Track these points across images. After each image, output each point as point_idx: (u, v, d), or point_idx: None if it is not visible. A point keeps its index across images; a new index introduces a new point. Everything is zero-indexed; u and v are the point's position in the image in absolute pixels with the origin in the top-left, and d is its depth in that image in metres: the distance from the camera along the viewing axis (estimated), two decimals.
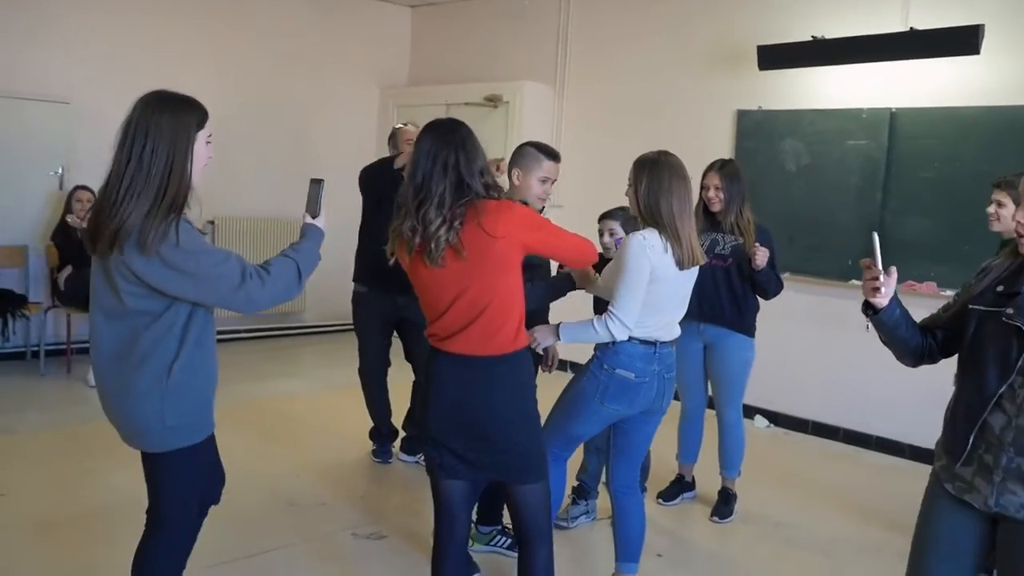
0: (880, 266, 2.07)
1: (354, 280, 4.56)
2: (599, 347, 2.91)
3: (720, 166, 3.94)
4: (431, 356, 2.46)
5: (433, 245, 2.25)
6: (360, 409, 4.62)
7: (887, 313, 2.11)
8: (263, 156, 7.34)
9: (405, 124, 4.62)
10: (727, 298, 3.92)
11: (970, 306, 2.03)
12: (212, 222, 7.01)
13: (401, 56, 8.24)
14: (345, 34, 7.78)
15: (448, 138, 2.32)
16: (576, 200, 6.63)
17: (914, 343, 2.17)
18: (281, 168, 7.45)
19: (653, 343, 2.85)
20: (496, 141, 6.85)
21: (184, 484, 2.38)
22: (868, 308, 2.14)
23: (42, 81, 6.09)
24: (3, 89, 5.95)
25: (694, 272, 2.91)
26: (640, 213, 2.83)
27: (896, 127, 5.12)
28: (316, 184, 2.51)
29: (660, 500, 4.18)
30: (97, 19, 6.35)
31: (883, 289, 2.07)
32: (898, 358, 2.24)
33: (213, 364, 2.40)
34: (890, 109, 5.13)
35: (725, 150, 5.85)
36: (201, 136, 2.25)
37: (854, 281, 5.24)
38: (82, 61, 6.26)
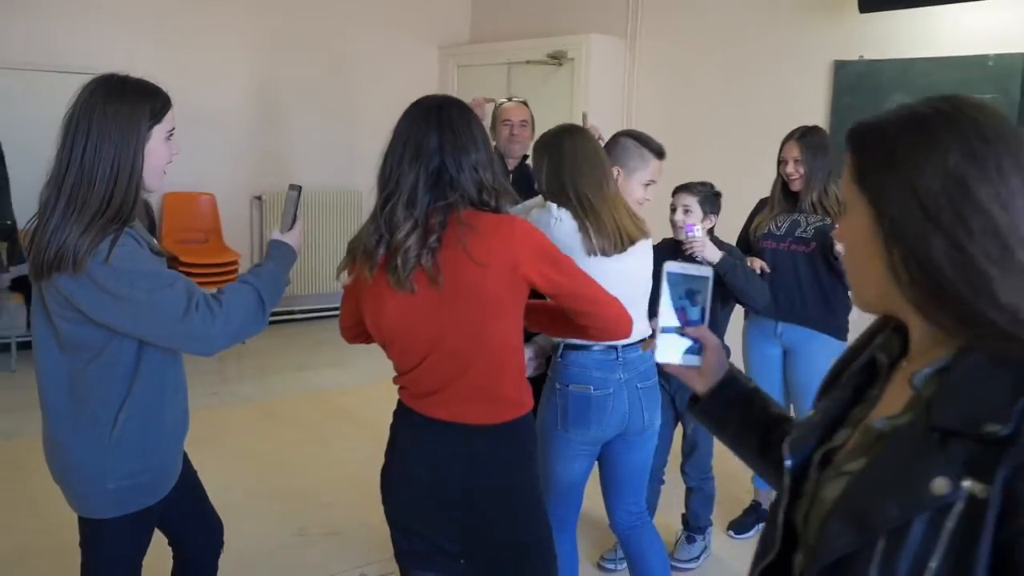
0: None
1: None
2: (550, 363, 2.40)
3: (800, 134, 3.25)
4: (399, 414, 1.88)
5: (399, 260, 1.66)
6: None
7: (710, 402, 1.25)
8: (312, 126, 6.88)
9: (507, 100, 3.92)
10: (811, 291, 3.21)
11: None
12: (260, 197, 6.62)
13: (462, 11, 7.59)
14: None
15: (429, 116, 1.74)
16: None
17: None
18: (333, 138, 6.98)
19: (614, 347, 2.28)
20: (561, 102, 6.19)
21: (120, 558, 1.94)
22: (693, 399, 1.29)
23: (63, 52, 5.68)
24: (22, 61, 5.59)
25: (638, 257, 2.35)
26: (545, 197, 2.33)
27: None
28: (293, 190, 2.01)
29: (731, 532, 3.54)
30: None
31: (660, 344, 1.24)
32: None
33: (179, 412, 1.96)
34: (1023, 55, 4.22)
35: (820, 109, 5.03)
36: (158, 132, 1.79)
37: None
38: (110, 27, 5.87)
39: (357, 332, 1.95)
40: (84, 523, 1.91)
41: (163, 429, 1.91)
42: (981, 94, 4.35)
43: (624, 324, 1.87)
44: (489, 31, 7.31)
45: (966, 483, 0.79)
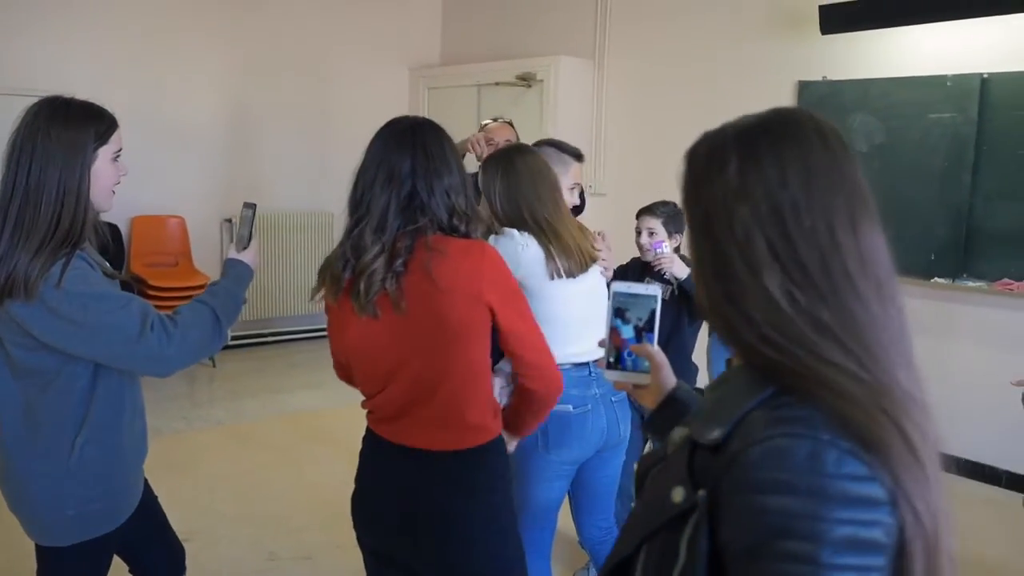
0: None
1: None
2: None
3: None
4: (367, 439, 1.87)
5: (363, 284, 1.65)
6: None
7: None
8: (284, 148, 6.87)
9: (491, 120, 3.86)
10: None
11: None
12: (230, 220, 6.58)
13: (432, 34, 7.64)
14: (371, 12, 7.21)
15: (403, 138, 1.72)
16: (619, 189, 6.01)
17: None
18: (305, 160, 6.98)
19: (586, 363, 2.30)
20: (530, 123, 6.23)
21: None
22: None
23: (33, 73, 5.62)
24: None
25: (594, 274, 2.38)
26: (501, 222, 2.30)
27: (988, 96, 4.31)
28: (248, 209, 2.02)
29: None
30: (94, 5, 5.90)
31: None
32: None
33: (138, 436, 1.94)
34: (981, 75, 4.32)
35: None
36: (104, 153, 1.78)
37: (937, 279, 4.49)
38: (79, 51, 5.83)
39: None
40: (43, 551, 1.88)
41: (122, 453, 1.89)
42: (940, 113, 4.48)
43: (558, 384, 1.91)
44: (459, 53, 7.37)
45: (701, 492, 0.82)
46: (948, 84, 4.45)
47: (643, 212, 3.10)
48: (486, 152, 3.59)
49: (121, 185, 1.88)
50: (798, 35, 5.06)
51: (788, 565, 0.73)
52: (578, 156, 2.71)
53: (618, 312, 1.25)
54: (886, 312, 0.85)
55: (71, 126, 1.73)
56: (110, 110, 1.84)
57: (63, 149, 1.71)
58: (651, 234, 3.03)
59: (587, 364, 2.31)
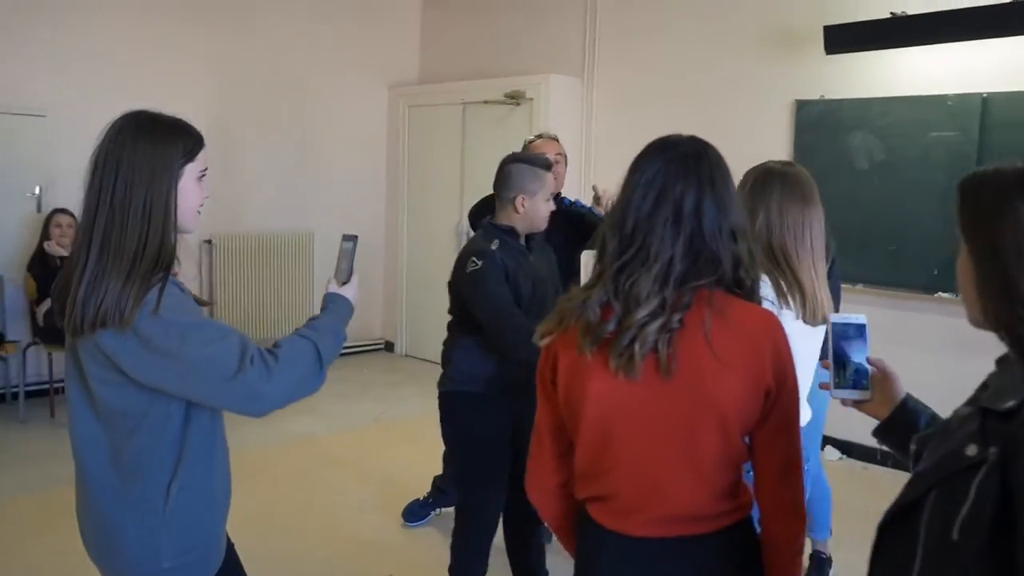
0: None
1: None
2: None
3: None
4: (586, 538, 1.55)
5: (637, 344, 1.37)
6: (389, 457, 3.98)
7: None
8: (263, 167, 6.69)
9: (536, 138, 3.77)
10: None
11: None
12: (209, 241, 6.37)
13: (411, 52, 7.55)
14: (348, 29, 7.08)
15: (689, 165, 1.45)
16: (609, 206, 5.99)
17: None
18: (283, 180, 6.81)
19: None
20: (519, 142, 6.16)
21: None
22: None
23: (14, 92, 5.42)
24: None
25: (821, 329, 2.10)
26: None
27: (989, 115, 4.42)
28: (348, 241, 1.87)
29: None
30: (76, 25, 5.68)
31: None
32: None
33: (225, 478, 1.81)
34: (981, 95, 4.44)
35: (783, 147, 5.18)
36: (191, 171, 1.66)
37: (941, 294, 4.58)
38: (59, 69, 5.60)
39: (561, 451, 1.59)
40: None
41: (215, 496, 1.76)
42: (941, 132, 4.58)
43: (800, 530, 1.56)
44: (438, 71, 7.29)
45: (993, 448, 1.02)
46: (949, 103, 4.56)
47: None
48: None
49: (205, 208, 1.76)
50: (796, 54, 5.13)
51: None
52: (548, 166, 2.81)
53: (837, 337, 1.46)
54: None
55: (159, 141, 1.62)
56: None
57: (149, 164, 1.59)
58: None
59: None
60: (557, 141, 3.79)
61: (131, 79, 5.80)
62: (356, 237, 1.87)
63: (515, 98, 6.33)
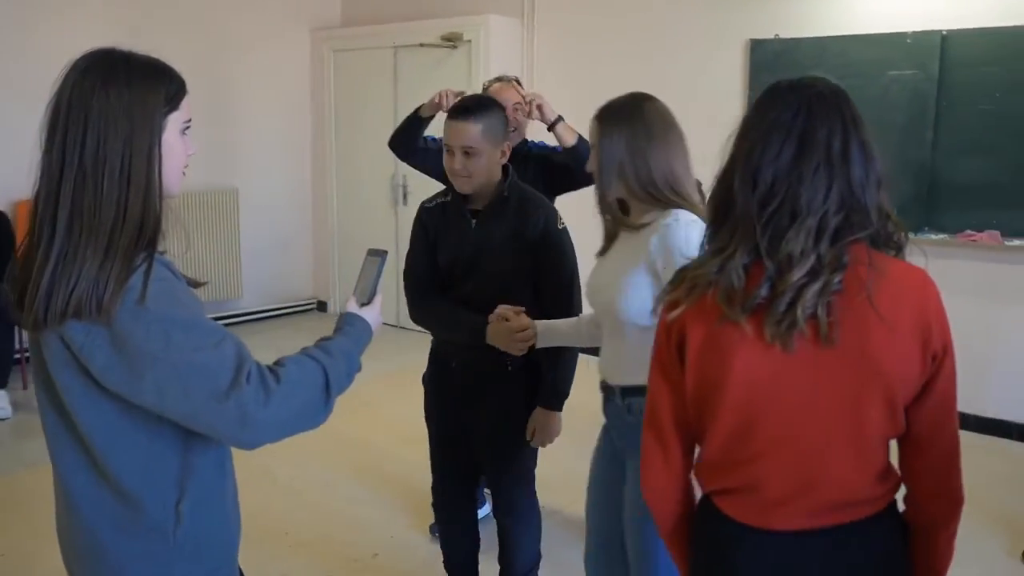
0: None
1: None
2: (625, 394, 1.96)
3: None
4: (713, 538, 1.38)
5: (799, 309, 1.20)
6: (351, 424, 3.72)
7: None
8: None
9: (494, 81, 3.41)
10: None
11: None
12: None
13: None
14: None
15: (831, 103, 1.28)
16: None
17: None
18: (205, 132, 6.25)
19: None
20: (458, 87, 5.88)
21: None
22: None
23: None
24: None
25: None
26: (641, 189, 1.89)
27: (948, 53, 4.39)
28: (375, 257, 1.60)
29: None
30: None
31: None
32: None
33: (234, 486, 1.52)
34: (941, 32, 4.40)
35: (736, 89, 5.05)
36: (174, 121, 1.36)
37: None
38: None
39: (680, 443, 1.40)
40: None
41: (228, 511, 1.48)
42: (900, 71, 4.52)
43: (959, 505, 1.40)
44: (365, 13, 6.84)
45: None
46: (908, 41, 4.50)
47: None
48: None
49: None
50: None
51: None
52: (454, 113, 2.44)
53: None
54: None
55: (136, 84, 1.30)
56: None
57: (128, 114, 1.27)
58: None
59: None
60: (518, 84, 3.45)
61: (21, 23, 5.23)
62: (385, 253, 1.61)
63: (452, 40, 6.00)
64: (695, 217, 1.83)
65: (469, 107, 2.36)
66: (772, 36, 4.94)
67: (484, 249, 2.39)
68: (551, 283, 2.39)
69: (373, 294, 1.57)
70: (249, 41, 6.49)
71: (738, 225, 1.27)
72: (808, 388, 1.24)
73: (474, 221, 2.42)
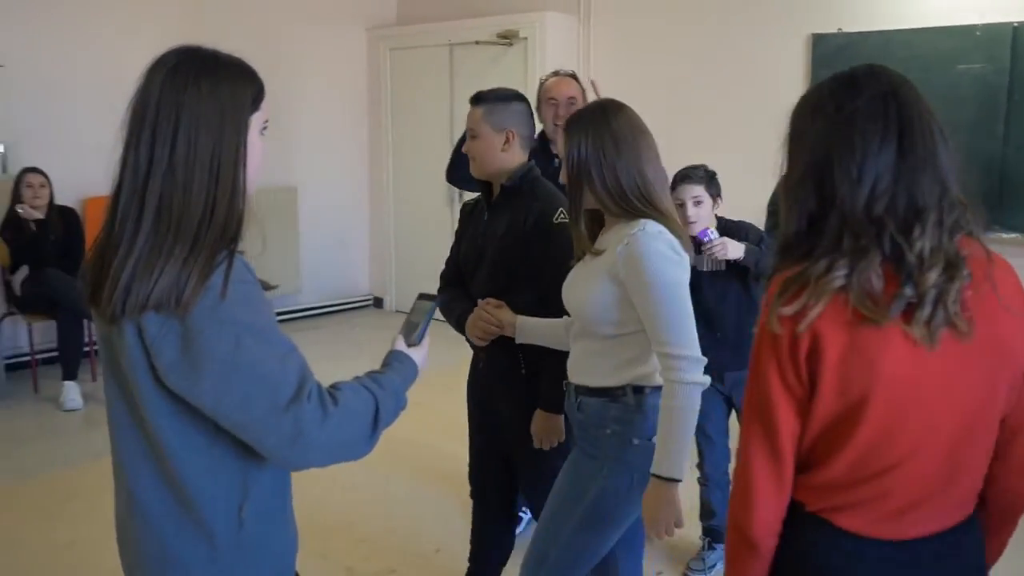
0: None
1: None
2: (614, 416, 1.92)
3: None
4: (824, 558, 1.28)
5: (946, 307, 1.16)
6: (400, 421, 3.71)
7: None
8: None
9: (552, 75, 3.40)
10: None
11: None
12: None
13: None
14: None
15: (912, 90, 1.25)
16: None
17: None
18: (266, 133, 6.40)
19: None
20: (513, 85, 5.88)
21: None
22: None
23: None
24: None
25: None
26: (609, 199, 1.88)
27: (1020, 45, 4.25)
28: (425, 301, 1.60)
29: None
30: None
31: None
32: None
33: (290, 484, 1.51)
34: (1012, 23, 4.26)
35: (798, 85, 4.95)
36: (256, 122, 1.36)
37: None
38: (10, 13, 5.11)
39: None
40: None
41: (288, 514, 1.48)
42: (969, 64, 4.40)
43: None
44: (423, 10, 6.89)
45: None
46: (978, 34, 4.37)
47: (683, 180, 2.83)
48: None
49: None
50: None
51: None
52: (474, 100, 2.42)
53: None
54: None
55: (223, 83, 1.31)
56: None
57: (219, 112, 1.28)
58: (697, 203, 2.81)
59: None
60: (574, 79, 3.44)
61: (87, 24, 5.37)
62: (436, 298, 1.60)
63: (508, 38, 6.00)
64: (661, 228, 1.84)
65: (480, 93, 2.39)
66: (835, 30, 4.84)
67: (489, 240, 2.40)
68: (541, 275, 2.28)
69: (422, 336, 1.56)
70: (306, 41, 6.58)
71: (844, 224, 1.19)
72: (947, 384, 1.21)
73: (487, 213, 2.44)
